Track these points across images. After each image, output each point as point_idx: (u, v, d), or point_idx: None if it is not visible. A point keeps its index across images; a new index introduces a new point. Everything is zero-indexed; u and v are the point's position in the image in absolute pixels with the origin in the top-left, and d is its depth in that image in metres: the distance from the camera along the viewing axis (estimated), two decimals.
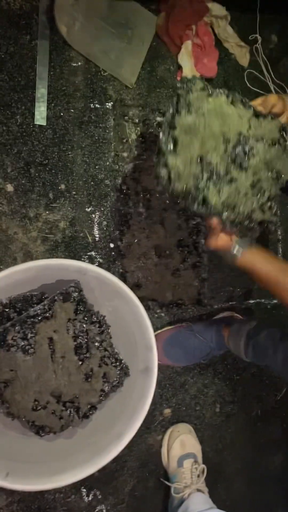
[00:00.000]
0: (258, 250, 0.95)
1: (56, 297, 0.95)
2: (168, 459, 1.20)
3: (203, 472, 1.16)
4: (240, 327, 1.18)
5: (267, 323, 1.20)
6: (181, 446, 1.20)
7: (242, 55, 1.38)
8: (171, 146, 0.81)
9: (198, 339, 1.21)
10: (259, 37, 1.41)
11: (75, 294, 0.97)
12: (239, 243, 0.95)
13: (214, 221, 0.89)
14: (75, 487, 1.12)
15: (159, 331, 1.24)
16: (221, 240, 0.95)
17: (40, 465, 0.96)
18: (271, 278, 0.90)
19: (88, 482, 1.14)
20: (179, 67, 1.29)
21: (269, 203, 0.88)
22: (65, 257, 1.13)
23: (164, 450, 1.23)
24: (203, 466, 1.17)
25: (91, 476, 1.14)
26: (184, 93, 0.81)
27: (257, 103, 0.91)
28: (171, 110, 0.82)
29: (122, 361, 1.04)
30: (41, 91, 1.12)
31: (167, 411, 1.24)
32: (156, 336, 1.22)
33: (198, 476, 1.16)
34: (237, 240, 0.95)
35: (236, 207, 0.85)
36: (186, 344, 1.21)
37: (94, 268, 0.98)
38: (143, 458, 1.22)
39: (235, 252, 0.95)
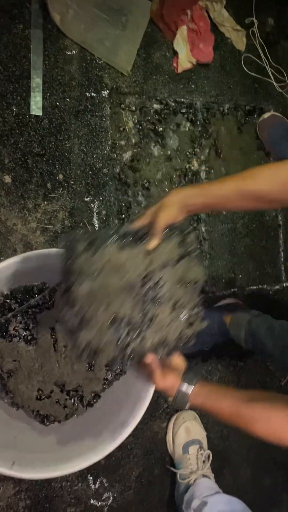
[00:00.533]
0: (205, 384, 0.88)
1: (56, 287, 0.95)
2: (174, 446, 1.21)
3: (208, 457, 1.17)
4: (241, 317, 1.18)
5: (267, 315, 1.19)
6: (186, 432, 1.21)
7: (238, 39, 1.37)
8: (75, 323, 0.76)
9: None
10: (255, 21, 1.40)
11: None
12: (186, 379, 0.88)
13: (149, 357, 0.81)
14: (82, 475, 1.13)
15: None
16: (167, 379, 0.88)
17: (46, 454, 0.96)
18: (225, 415, 0.81)
19: (94, 470, 1.14)
20: (175, 53, 1.27)
21: (194, 311, 0.85)
22: None
23: (169, 437, 1.23)
24: (209, 451, 1.17)
25: (98, 464, 1.15)
26: (70, 263, 0.76)
27: (138, 224, 0.85)
28: (63, 286, 0.77)
29: None
30: (36, 81, 1.11)
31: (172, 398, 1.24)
32: None
33: (204, 462, 1.16)
34: (184, 376, 0.89)
35: (165, 340, 0.81)
36: None
37: None
38: (148, 445, 1.22)
39: (183, 390, 0.87)
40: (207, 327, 1.18)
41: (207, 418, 1.29)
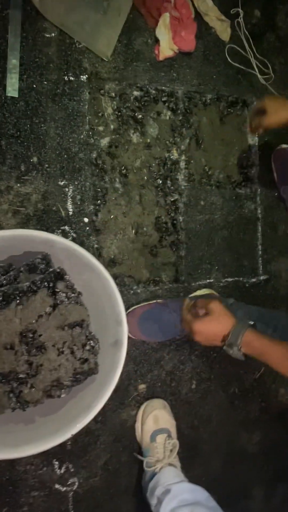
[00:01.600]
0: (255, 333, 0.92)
1: (22, 268, 0.95)
2: (142, 434, 1.21)
3: (175, 447, 1.17)
4: None
5: (243, 302, 1.20)
6: (155, 421, 1.20)
7: (223, 30, 1.36)
8: None
9: (173, 315, 1.20)
10: (241, 11, 1.39)
11: (42, 266, 0.96)
12: (240, 320, 0.94)
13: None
14: (47, 459, 1.13)
15: (134, 306, 1.24)
16: (221, 320, 0.95)
17: (6, 435, 0.96)
18: (278, 358, 0.90)
19: (60, 455, 1.14)
20: (157, 41, 1.27)
21: (87, 347, 0.97)
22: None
23: (138, 424, 1.23)
24: (176, 441, 1.17)
25: (64, 449, 1.15)
26: None
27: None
28: None
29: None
30: (13, 62, 1.10)
31: (142, 386, 1.24)
32: (131, 311, 1.22)
33: (171, 450, 1.16)
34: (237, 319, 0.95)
35: (59, 380, 0.95)
36: (161, 319, 1.21)
37: (61, 239, 0.97)
38: (116, 432, 1.22)
39: (238, 328, 0.92)
40: (180, 316, 1.17)
41: (177, 408, 1.29)
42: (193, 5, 1.31)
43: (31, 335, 0.92)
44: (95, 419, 1.00)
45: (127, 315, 1.19)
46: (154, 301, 1.26)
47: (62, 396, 0.97)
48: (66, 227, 1.17)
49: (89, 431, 1.18)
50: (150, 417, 1.21)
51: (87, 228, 1.20)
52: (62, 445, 1.00)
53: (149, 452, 1.17)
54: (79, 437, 1.16)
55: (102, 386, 1.01)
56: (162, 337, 1.24)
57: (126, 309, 1.22)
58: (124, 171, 1.25)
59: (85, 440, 1.18)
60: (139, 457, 1.18)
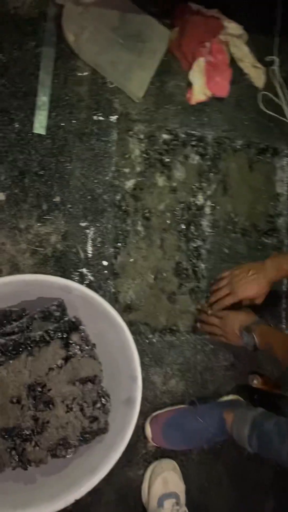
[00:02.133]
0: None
1: (36, 315, 0.90)
2: (149, 496, 1.12)
3: None
4: (245, 413, 1.08)
5: (273, 413, 1.11)
6: (164, 484, 1.12)
7: (257, 76, 1.33)
8: None
9: (199, 423, 1.13)
10: (276, 59, 1.36)
11: (57, 314, 0.91)
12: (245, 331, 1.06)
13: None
14: None
15: (158, 411, 1.17)
16: (240, 314, 1.12)
17: (3, 495, 0.89)
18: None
19: None
20: (190, 84, 1.24)
21: (97, 405, 0.92)
22: (55, 272, 1.08)
23: (145, 486, 1.14)
24: (185, 509, 1.08)
25: (64, 509, 1.07)
26: None
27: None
28: None
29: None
30: (43, 99, 1.08)
31: (152, 444, 1.16)
32: (155, 417, 1.15)
33: None
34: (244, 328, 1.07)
35: (66, 439, 0.89)
36: (186, 427, 1.12)
37: (80, 287, 0.93)
38: (122, 492, 1.13)
39: (256, 321, 1.08)
40: (206, 424, 1.10)
41: (187, 469, 1.20)
42: (229, 51, 1.29)
43: (39, 389, 0.86)
44: None
45: (151, 420, 1.14)
46: (180, 406, 1.19)
47: (68, 456, 0.90)
48: (84, 270, 1.12)
49: (92, 490, 1.10)
50: (159, 479, 1.12)
51: (105, 271, 1.15)
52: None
53: None
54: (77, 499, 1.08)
55: (110, 447, 0.94)
56: (185, 445, 1.16)
57: (151, 411, 1.17)
58: (148, 214, 1.21)
59: (87, 499, 1.09)
60: None
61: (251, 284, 1.10)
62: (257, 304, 1.13)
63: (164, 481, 1.12)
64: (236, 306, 1.14)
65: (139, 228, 1.21)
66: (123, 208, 1.18)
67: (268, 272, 1.08)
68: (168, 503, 1.09)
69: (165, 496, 1.10)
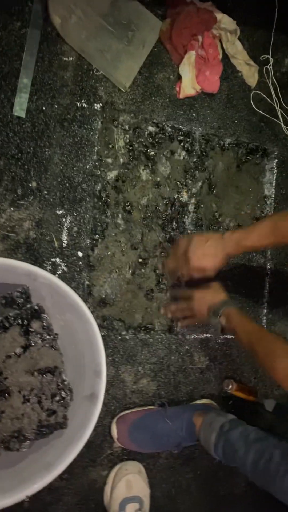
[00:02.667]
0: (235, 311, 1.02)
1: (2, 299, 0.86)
2: (111, 499, 1.07)
3: None
4: (214, 419, 1.05)
5: (243, 421, 1.07)
6: (127, 487, 1.07)
7: (250, 75, 1.30)
8: None
9: (168, 425, 1.08)
10: (271, 59, 1.34)
11: (20, 301, 0.87)
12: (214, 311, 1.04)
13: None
14: None
15: (126, 411, 1.13)
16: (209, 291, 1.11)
17: None
18: (250, 338, 0.95)
19: None
20: (179, 78, 1.21)
21: (56, 398, 0.88)
22: (25, 260, 1.04)
23: (107, 488, 1.10)
24: None
25: (20, 507, 1.02)
26: None
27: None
28: None
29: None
30: (24, 81, 1.05)
31: (118, 444, 1.11)
32: (122, 416, 1.11)
33: None
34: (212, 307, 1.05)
35: (20, 431, 0.85)
36: (154, 429, 1.08)
37: (45, 274, 0.89)
38: (83, 493, 1.09)
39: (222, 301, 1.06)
40: (175, 427, 1.06)
41: (154, 473, 1.16)
42: (222, 46, 1.26)
43: None
44: (60, 475, 0.88)
45: (118, 420, 1.10)
46: (150, 407, 1.15)
47: (22, 450, 0.86)
48: (57, 259, 1.08)
49: (52, 488, 1.05)
50: (123, 482, 1.07)
51: (80, 262, 1.11)
52: (18, 502, 0.88)
53: None
54: (40, 494, 1.03)
55: (69, 443, 0.90)
56: (153, 448, 1.11)
57: (119, 410, 1.13)
58: (129, 207, 1.17)
59: (46, 498, 1.05)
60: None
61: (207, 255, 1.05)
62: (209, 276, 1.08)
63: (128, 484, 1.08)
64: (204, 280, 1.11)
65: (119, 221, 1.17)
66: (103, 199, 1.14)
67: (227, 245, 1.04)
68: (131, 507, 1.05)
69: (128, 499, 1.05)
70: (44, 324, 0.86)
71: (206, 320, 1.08)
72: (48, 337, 0.86)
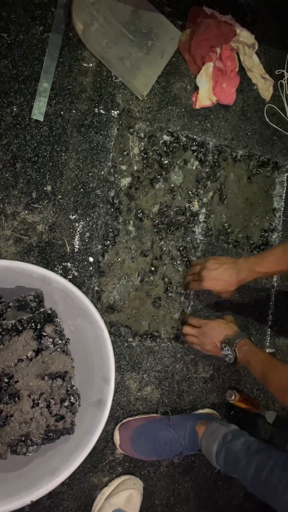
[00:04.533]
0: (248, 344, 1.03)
1: (11, 303, 0.86)
2: (105, 501, 1.06)
3: None
4: (217, 428, 1.05)
5: (245, 432, 1.08)
6: (127, 500, 1.06)
7: (265, 88, 1.32)
8: None
9: (171, 434, 1.09)
10: (286, 73, 1.35)
11: (33, 304, 0.87)
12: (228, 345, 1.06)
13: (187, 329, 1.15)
14: None
15: (130, 418, 1.13)
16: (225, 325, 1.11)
17: None
18: (261, 372, 0.96)
19: None
20: (196, 88, 1.22)
21: (65, 403, 0.88)
22: (37, 264, 1.04)
23: (107, 490, 1.09)
24: None
25: (21, 510, 1.02)
26: None
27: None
28: None
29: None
30: (44, 86, 1.05)
31: (120, 451, 1.11)
32: (125, 423, 1.11)
33: None
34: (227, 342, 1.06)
35: (28, 436, 0.85)
36: (157, 437, 1.08)
37: (60, 279, 0.89)
38: (83, 499, 1.09)
39: (238, 334, 1.07)
40: (178, 435, 1.06)
41: (154, 481, 1.16)
42: (239, 59, 1.27)
43: (6, 380, 0.82)
44: None
45: (120, 426, 1.10)
46: (153, 415, 1.15)
47: (29, 454, 0.86)
48: (69, 264, 1.09)
49: (52, 492, 1.05)
50: (126, 493, 1.06)
51: (91, 268, 1.11)
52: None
53: None
54: (40, 498, 1.03)
55: (75, 449, 0.90)
56: (155, 456, 1.11)
57: (122, 416, 1.14)
58: (140, 214, 1.18)
59: (46, 503, 1.05)
60: None
61: (220, 278, 1.08)
62: (225, 298, 1.16)
63: (129, 498, 1.07)
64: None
65: (130, 228, 1.18)
66: (116, 205, 1.15)
67: (241, 271, 1.06)
68: None
69: None
70: (57, 328, 0.87)
71: (215, 351, 1.10)
72: (60, 341, 0.86)
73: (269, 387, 0.94)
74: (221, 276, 1.07)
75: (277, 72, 1.34)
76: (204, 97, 1.21)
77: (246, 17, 1.28)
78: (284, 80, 1.35)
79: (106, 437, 1.11)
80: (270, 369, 0.94)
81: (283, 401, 0.90)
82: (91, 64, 1.11)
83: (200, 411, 1.21)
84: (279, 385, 0.90)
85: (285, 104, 1.36)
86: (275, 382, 0.91)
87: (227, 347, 1.05)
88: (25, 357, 0.83)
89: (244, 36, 1.23)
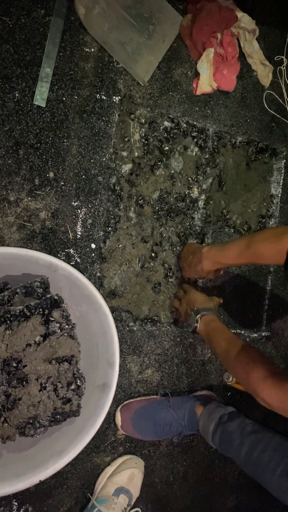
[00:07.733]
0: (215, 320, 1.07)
1: (18, 290, 0.87)
2: (108, 480, 1.10)
3: None
4: (214, 409, 1.10)
5: (242, 414, 1.11)
6: (129, 478, 1.10)
7: (264, 75, 1.32)
8: None
9: (171, 414, 1.12)
10: (285, 60, 1.35)
11: (39, 291, 0.88)
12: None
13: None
14: (6, 498, 1.03)
15: (130, 400, 1.15)
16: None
17: None
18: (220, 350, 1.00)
19: (21, 496, 1.04)
20: (197, 74, 1.22)
21: (72, 386, 0.90)
22: (41, 250, 1.05)
23: (110, 468, 1.13)
24: (138, 510, 1.08)
25: (27, 490, 1.05)
26: None
27: None
28: None
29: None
30: (46, 71, 1.05)
31: (122, 432, 1.15)
32: (126, 404, 1.14)
33: None
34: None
35: (36, 418, 0.87)
36: (157, 418, 1.12)
37: (66, 266, 0.90)
38: (86, 478, 1.12)
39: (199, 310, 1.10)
40: (178, 416, 1.10)
41: (154, 460, 1.19)
42: (239, 44, 1.27)
43: (14, 365, 0.84)
44: None
45: (122, 408, 1.13)
46: (153, 396, 1.18)
47: (36, 436, 0.88)
48: (71, 250, 1.10)
49: (57, 472, 1.08)
50: (128, 471, 1.10)
51: (93, 254, 1.13)
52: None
53: (106, 504, 1.06)
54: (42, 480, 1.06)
55: (80, 431, 0.93)
56: (155, 436, 1.14)
57: (124, 398, 1.16)
58: (141, 201, 1.19)
59: (51, 482, 1.08)
60: (94, 502, 1.07)
61: (191, 270, 1.17)
62: (209, 278, 1.21)
63: (131, 477, 1.11)
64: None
65: (131, 214, 1.19)
66: (117, 192, 1.16)
67: (204, 262, 1.10)
68: (123, 498, 1.08)
69: (124, 490, 1.08)
70: (63, 313, 0.88)
71: (184, 317, 1.16)
72: (66, 326, 0.88)
73: (227, 363, 0.96)
74: (191, 268, 1.15)
75: (277, 58, 1.34)
76: (205, 83, 1.21)
77: (247, 2, 1.27)
78: (283, 67, 1.35)
79: (108, 419, 1.14)
80: (235, 346, 0.95)
81: (242, 378, 0.92)
82: (92, 49, 1.11)
83: (199, 392, 1.24)
84: (240, 361, 0.92)
85: (284, 90, 1.36)
86: (240, 358, 0.93)
87: (193, 315, 1.09)
88: (33, 342, 0.85)
89: (245, 21, 1.22)
